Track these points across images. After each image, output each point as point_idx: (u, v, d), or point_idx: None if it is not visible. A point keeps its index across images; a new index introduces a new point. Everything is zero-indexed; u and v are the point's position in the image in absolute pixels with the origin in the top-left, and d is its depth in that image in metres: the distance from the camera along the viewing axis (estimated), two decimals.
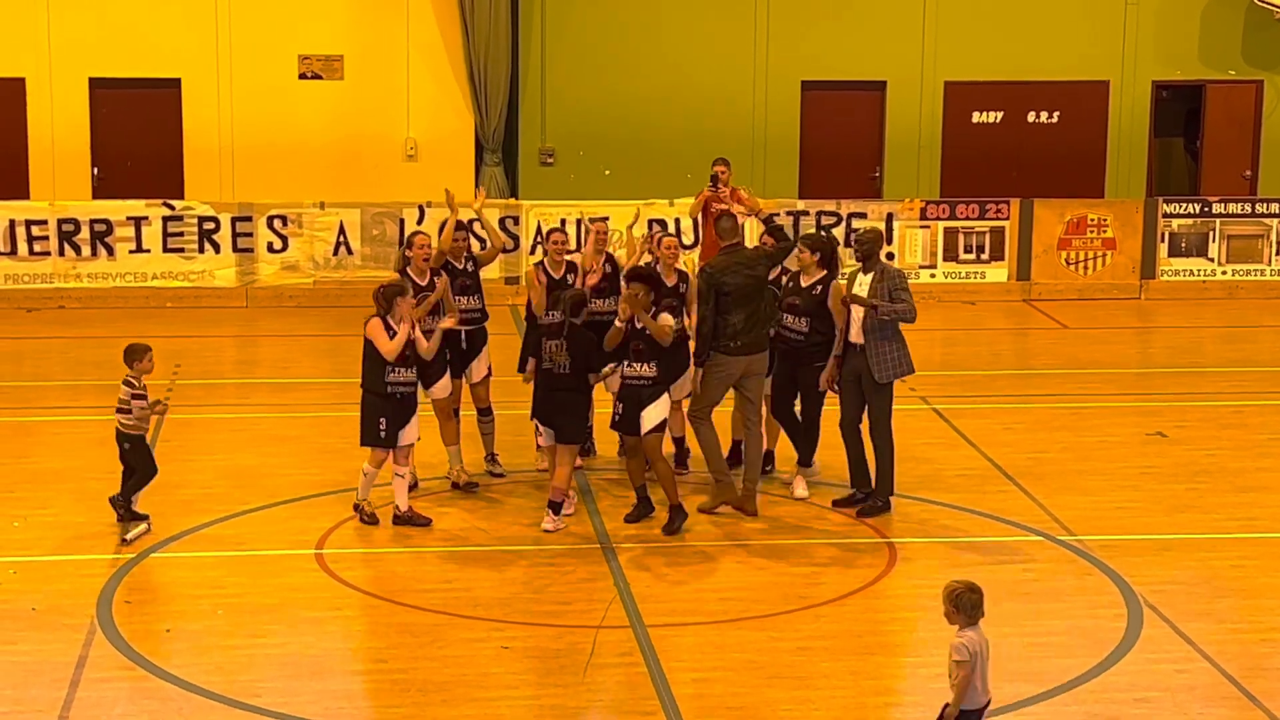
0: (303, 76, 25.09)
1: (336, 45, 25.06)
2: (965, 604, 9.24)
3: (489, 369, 15.16)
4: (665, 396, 13.96)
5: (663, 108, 25.37)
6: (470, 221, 15.41)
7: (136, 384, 13.67)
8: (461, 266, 14.87)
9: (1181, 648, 11.73)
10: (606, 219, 15.86)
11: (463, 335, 14.83)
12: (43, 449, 16.50)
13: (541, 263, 15.17)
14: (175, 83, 24.93)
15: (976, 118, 26.05)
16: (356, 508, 13.91)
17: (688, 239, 22.80)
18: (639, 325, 13.83)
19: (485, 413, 15.19)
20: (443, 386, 14.57)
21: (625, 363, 13.94)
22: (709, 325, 13.92)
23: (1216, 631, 12.02)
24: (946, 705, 9.19)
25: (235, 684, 10.99)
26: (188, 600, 12.48)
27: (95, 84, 24.78)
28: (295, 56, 25.03)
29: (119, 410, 13.60)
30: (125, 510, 13.64)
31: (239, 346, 21.77)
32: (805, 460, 14.94)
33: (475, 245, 15.52)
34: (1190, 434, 17.16)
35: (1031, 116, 26.10)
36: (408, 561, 13.24)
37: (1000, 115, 26.05)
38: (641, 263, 14.87)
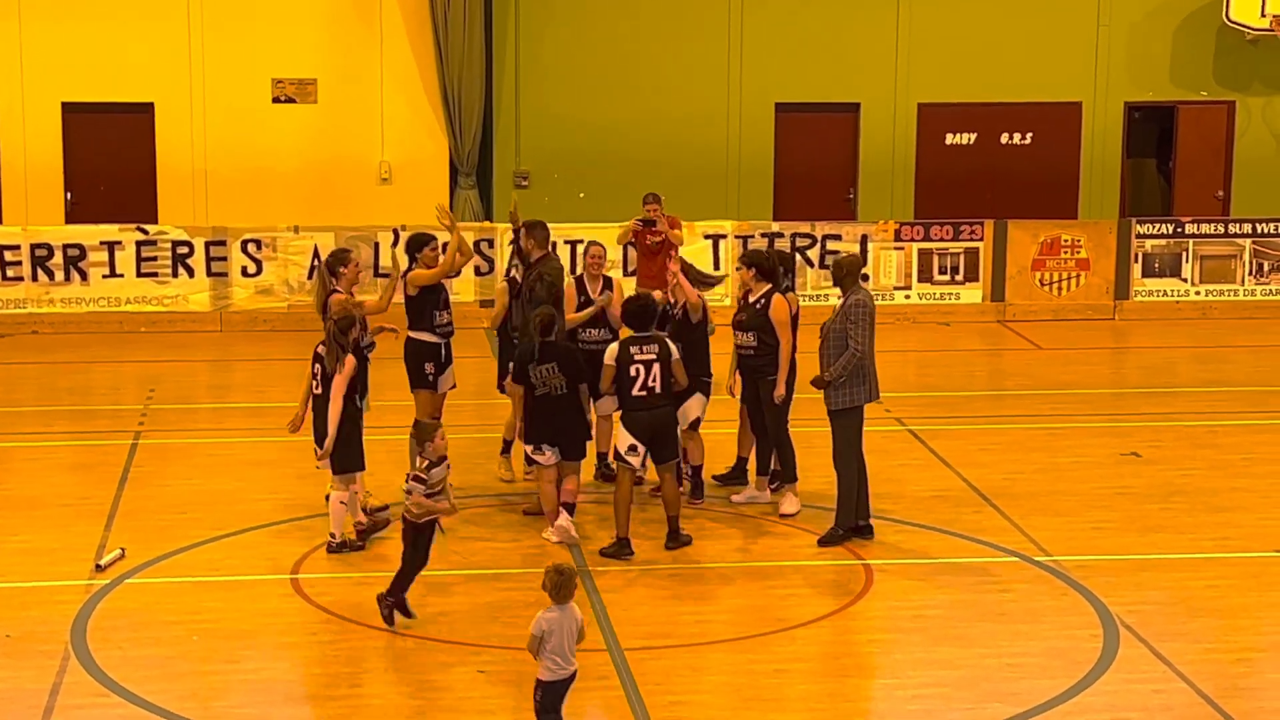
0: (276, 100, 25.07)
1: (310, 69, 25.05)
2: (549, 585, 10.15)
3: (454, 383, 15.44)
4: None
5: (637, 130, 25.39)
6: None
7: (425, 478, 12.26)
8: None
9: (1158, 668, 11.74)
10: (603, 245, 15.74)
11: (442, 348, 15.01)
12: (15, 475, 16.42)
13: (581, 276, 15.42)
14: (148, 107, 24.90)
15: (950, 139, 26.12)
16: (342, 545, 13.83)
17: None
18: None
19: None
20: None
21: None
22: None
23: (1193, 652, 12.03)
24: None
25: (210, 710, 10.96)
26: (162, 626, 12.41)
27: (68, 108, 24.74)
28: (269, 80, 25.01)
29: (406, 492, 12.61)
30: (392, 607, 12.46)
31: (213, 371, 21.69)
32: (788, 476, 14.88)
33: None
34: (1164, 454, 17.19)
35: (1005, 138, 26.18)
36: (382, 586, 13.19)
37: (973, 137, 26.13)
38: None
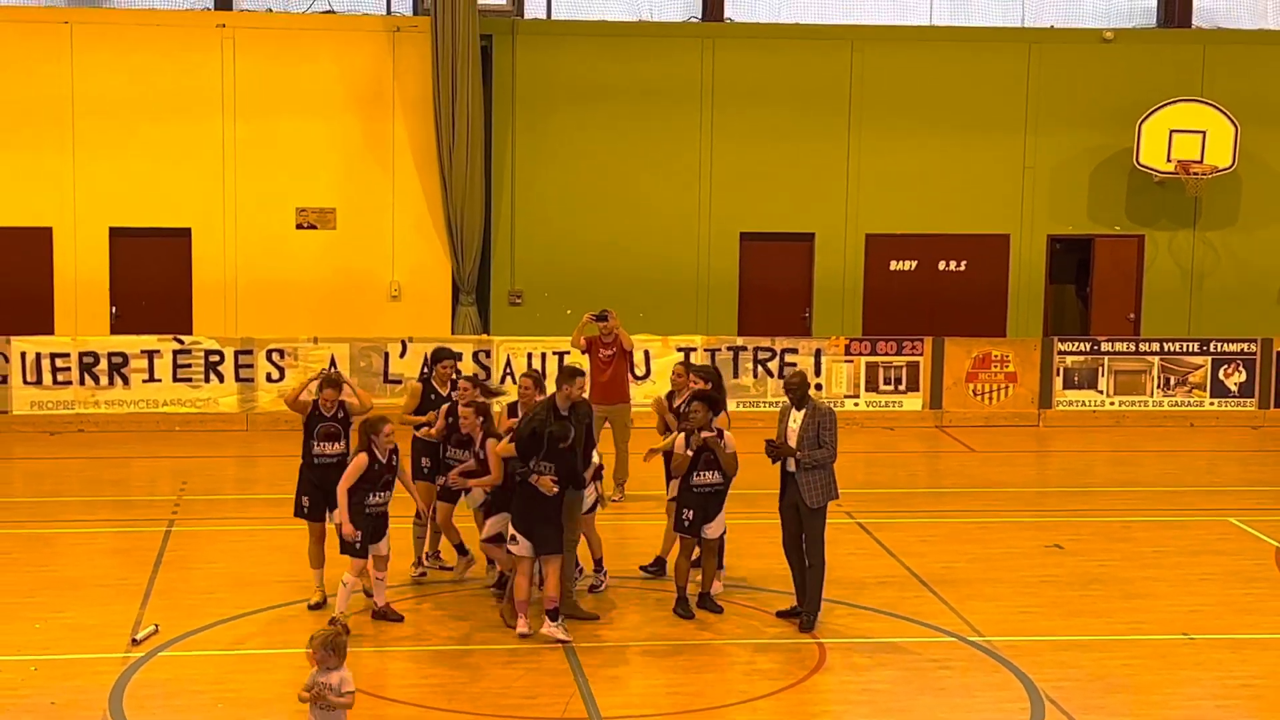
0: (299, 226, 25.14)
1: (330, 199, 25.14)
2: (339, 647, 9.90)
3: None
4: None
5: (618, 256, 25.50)
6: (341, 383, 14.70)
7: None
8: (330, 414, 14.35)
9: None
10: (532, 378, 15.32)
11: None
12: (61, 558, 16.31)
13: (515, 403, 15.01)
14: (186, 232, 24.95)
15: (894, 265, 26.24)
16: (332, 621, 13.66)
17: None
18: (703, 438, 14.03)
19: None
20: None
21: (695, 471, 14.01)
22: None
23: None
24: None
25: None
26: (191, 695, 12.30)
27: (115, 232, 24.78)
28: (293, 208, 25.09)
29: None
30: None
31: (240, 466, 21.61)
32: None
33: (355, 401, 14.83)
34: (1084, 546, 17.18)
35: (942, 265, 26.31)
36: (387, 659, 13.10)
37: (915, 264, 26.26)
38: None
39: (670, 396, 16.15)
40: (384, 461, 13.56)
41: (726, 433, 14.22)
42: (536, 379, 14.81)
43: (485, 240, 25.20)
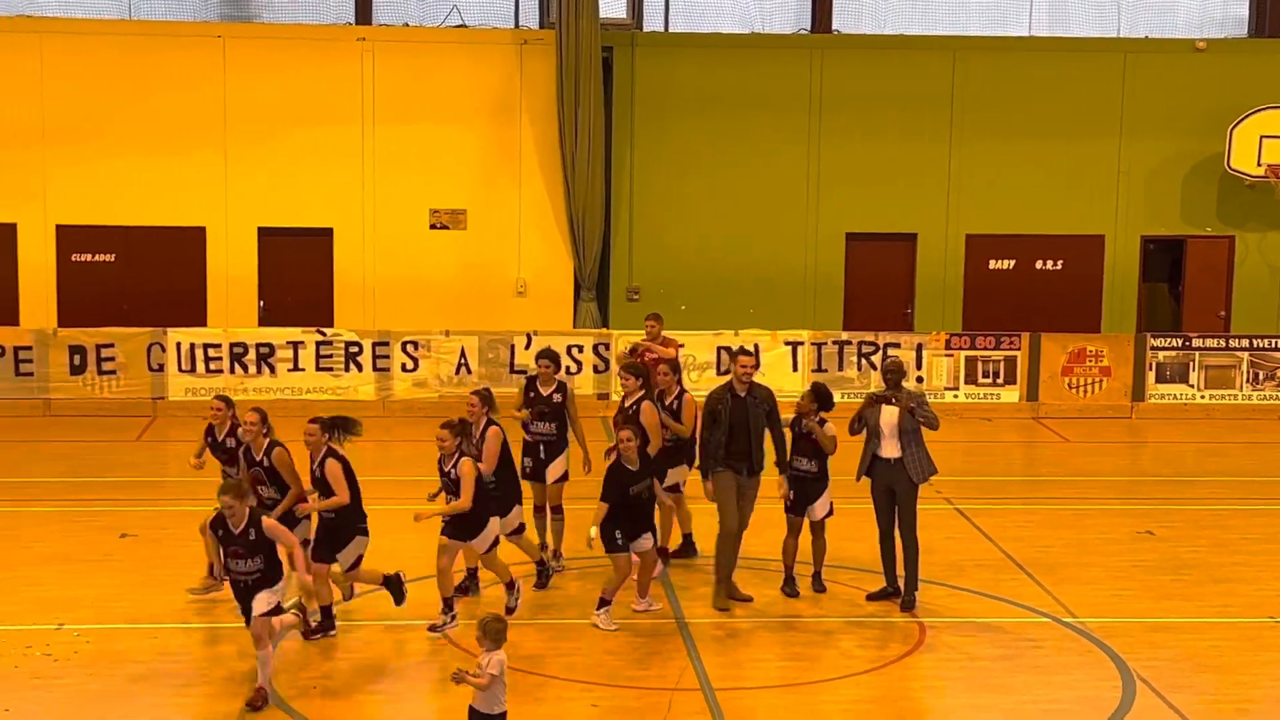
0: (433, 227, 25.37)
1: (461, 201, 25.35)
2: (492, 631, 9.89)
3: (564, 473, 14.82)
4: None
5: (731, 253, 25.50)
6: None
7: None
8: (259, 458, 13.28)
9: (1169, 715, 11.56)
10: (549, 359, 14.86)
11: (541, 447, 14.66)
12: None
13: (534, 378, 14.86)
14: (328, 231, 25.27)
15: (993, 265, 26.03)
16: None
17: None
18: (805, 428, 13.89)
19: (556, 510, 14.94)
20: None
21: (794, 456, 13.95)
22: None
23: (1198, 702, 11.84)
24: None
25: None
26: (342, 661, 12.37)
27: (263, 232, 25.15)
28: (427, 210, 25.33)
29: None
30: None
31: (377, 450, 21.77)
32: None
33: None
34: (1174, 533, 16.96)
35: (1039, 264, 26.06)
36: (519, 631, 13.18)
37: (1013, 263, 26.03)
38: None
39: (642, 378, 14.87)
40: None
41: (829, 423, 14.18)
42: (484, 395, 13.97)
43: (605, 240, 25.31)
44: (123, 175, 24.73)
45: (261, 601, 11.37)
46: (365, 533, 13.00)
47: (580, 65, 24.55)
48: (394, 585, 13.26)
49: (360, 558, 12.95)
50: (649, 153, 25.46)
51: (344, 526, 12.83)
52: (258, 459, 13.16)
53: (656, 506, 13.74)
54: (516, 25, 25.67)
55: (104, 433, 22.08)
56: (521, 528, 14.09)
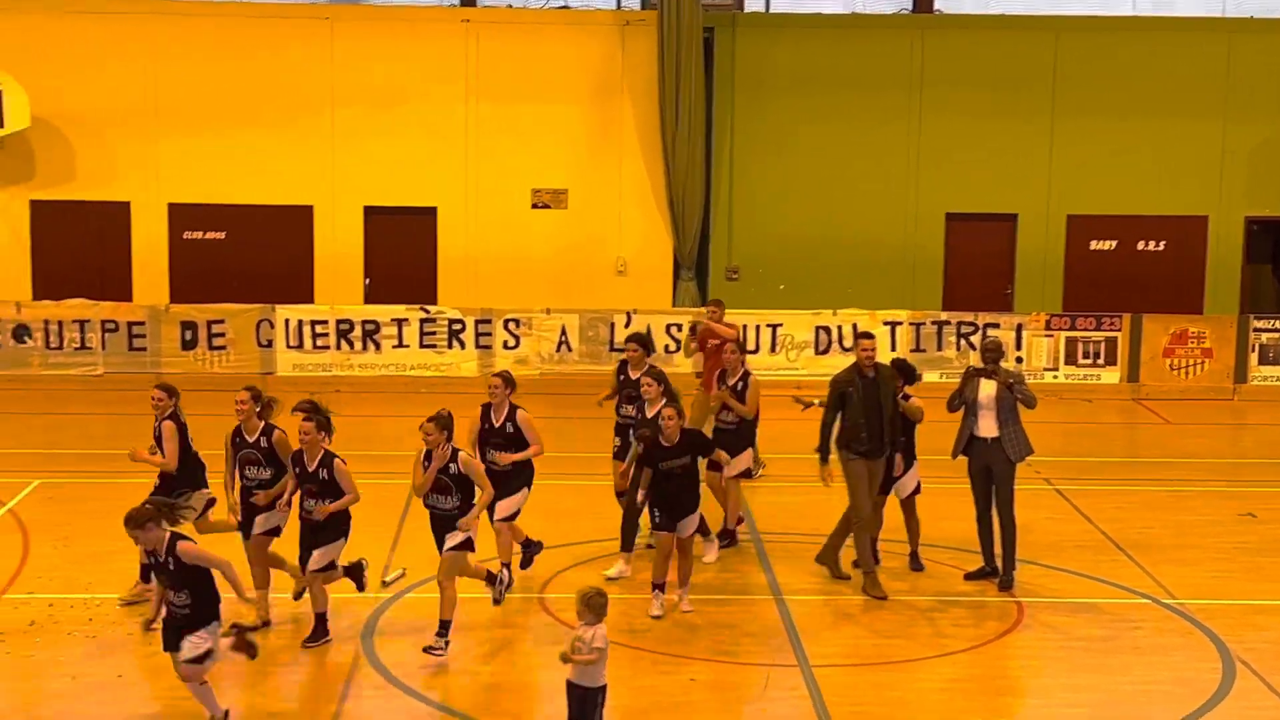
0: (534, 206, 25.47)
1: (562, 180, 25.42)
2: (595, 605, 9.88)
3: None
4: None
5: (830, 234, 25.38)
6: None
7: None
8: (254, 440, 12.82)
9: (1270, 699, 11.41)
10: (637, 344, 14.78)
11: (631, 430, 14.49)
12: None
13: (625, 362, 14.89)
14: (432, 210, 25.44)
15: (1094, 245, 25.72)
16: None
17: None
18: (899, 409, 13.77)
19: None
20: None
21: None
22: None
23: None
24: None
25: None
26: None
27: (368, 211, 25.36)
28: (529, 190, 25.43)
29: None
30: None
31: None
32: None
33: None
34: (1277, 515, 16.69)
35: (1141, 245, 25.72)
36: (625, 606, 13.21)
37: (1114, 243, 25.71)
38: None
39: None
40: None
41: (913, 396, 14.08)
42: (506, 377, 14.04)
43: (705, 219, 25.28)
44: (232, 155, 25.04)
45: (189, 647, 10.24)
46: (347, 534, 12.42)
47: (681, 45, 24.52)
48: (355, 573, 12.77)
49: (334, 562, 12.43)
50: (749, 133, 25.38)
51: (332, 527, 12.25)
52: (251, 440, 12.65)
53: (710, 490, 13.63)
54: (619, 6, 25.67)
55: (215, 406, 22.36)
56: (515, 514, 13.68)
